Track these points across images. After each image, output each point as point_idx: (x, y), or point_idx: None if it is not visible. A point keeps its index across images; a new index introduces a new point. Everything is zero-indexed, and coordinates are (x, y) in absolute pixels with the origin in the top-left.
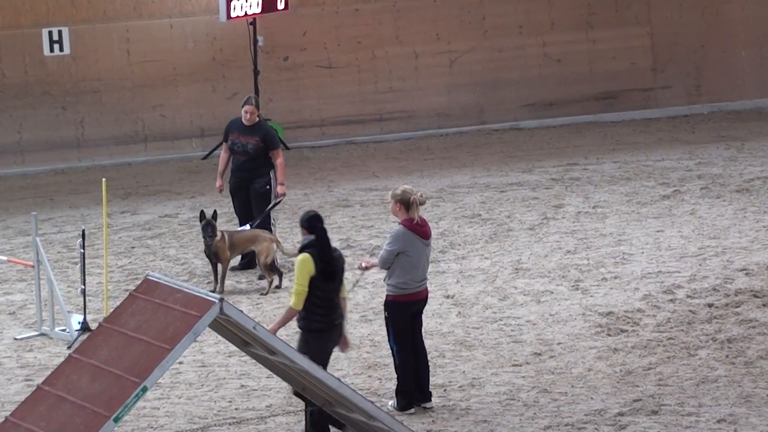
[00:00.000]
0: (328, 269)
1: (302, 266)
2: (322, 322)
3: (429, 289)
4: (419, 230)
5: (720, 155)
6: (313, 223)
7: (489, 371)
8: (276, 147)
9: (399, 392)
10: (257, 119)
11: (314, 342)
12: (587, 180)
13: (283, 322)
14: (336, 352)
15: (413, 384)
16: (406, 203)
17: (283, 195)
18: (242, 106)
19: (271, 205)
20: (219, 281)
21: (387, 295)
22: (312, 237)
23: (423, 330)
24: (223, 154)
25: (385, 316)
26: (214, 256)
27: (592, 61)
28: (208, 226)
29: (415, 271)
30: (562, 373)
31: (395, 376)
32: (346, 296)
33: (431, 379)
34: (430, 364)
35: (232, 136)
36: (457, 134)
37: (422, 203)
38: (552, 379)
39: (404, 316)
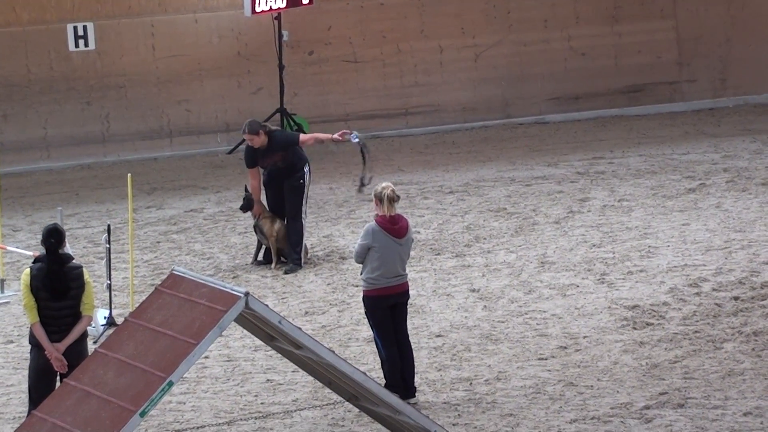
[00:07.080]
0: (51, 286)
1: (22, 280)
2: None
3: (454, 283)
4: (390, 228)
5: (746, 148)
6: (45, 238)
7: (515, 365)
8: (296, 141)
9: (385, 387)
10: (265, 136)
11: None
12: (613, 173)
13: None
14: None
15: (399, 379)
16: (380, 198)
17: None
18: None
19: (366, 151)
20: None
21: (363, 290)
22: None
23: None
24: (253, 181)
25: (365, 311)
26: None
27: (618, 54)
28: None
29: (385, 268)
30: (587, 366)
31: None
32: (89, 314)
33: (456, 372)
34: (456, 358)
35: (261, 162)
36: (483, 128)
37: (393, 199)
38: (578, 373)
39: (380, 309)
